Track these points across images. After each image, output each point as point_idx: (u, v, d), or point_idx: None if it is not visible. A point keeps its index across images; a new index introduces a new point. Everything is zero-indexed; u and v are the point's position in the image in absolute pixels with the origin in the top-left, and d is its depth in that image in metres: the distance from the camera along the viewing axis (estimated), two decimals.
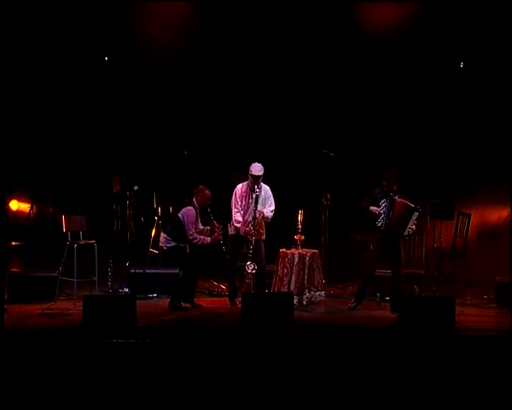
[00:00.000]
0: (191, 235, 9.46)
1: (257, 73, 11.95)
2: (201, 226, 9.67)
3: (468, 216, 11.31)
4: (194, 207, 9.53)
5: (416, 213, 9.25)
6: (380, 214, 9.35)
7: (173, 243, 9.54)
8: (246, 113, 12.07)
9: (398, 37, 11.35)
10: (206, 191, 9.52)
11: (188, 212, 9.48)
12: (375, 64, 11.65)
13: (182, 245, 9.56)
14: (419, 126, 11.79)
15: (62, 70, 11.71)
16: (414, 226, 9.31)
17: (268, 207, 9.69)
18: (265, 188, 9.74)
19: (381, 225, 9.35)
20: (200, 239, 9.49)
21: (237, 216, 9.69)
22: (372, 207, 9.40)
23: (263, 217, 9.61)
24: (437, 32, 11.41)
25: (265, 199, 9.70)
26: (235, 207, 9.74)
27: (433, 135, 11.79)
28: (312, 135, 11.87)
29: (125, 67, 11.73)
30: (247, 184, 9.69)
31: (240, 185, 9.78)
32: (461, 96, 11.65)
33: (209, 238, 9.52)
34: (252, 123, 12.00)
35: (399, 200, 9.32)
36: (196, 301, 9.72)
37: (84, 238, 10.31)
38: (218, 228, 9.50)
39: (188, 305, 9.54)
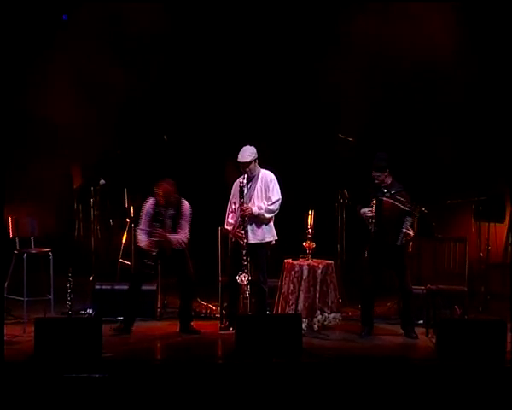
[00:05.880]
0: (138, 227, 9.71)
1: (259, 43, 12.00)
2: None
3: None
4: (154, 199, 9.70)
5: (409, 219, 9.33)
6: (372, 217, 9.50)
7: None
8: (242, 86, 12.10)
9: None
10: (164, 184, 9.59)
11: (145, 202, 9.70)
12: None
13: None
14: (459, 106, 11.79)
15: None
16: (411, 232, 9.38)
17: (264, 201, 9.62)
18: (265, 176, 9.68)
19: (372, 230, 9.49)
20: (137, 237, 9.74)
21: (228, 218, 9.77)
22: (363, 210, 9.51)
23: (250, 214, 9.53)
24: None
25: (264, 190, 9.65)
26: (229, 207, 9.76)
27: (477, 116, 11.79)
28: (326, 116, 11.84)
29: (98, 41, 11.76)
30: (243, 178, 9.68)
31: (237, 180, 9.73)
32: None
33: (143, 242, 9.67)
34: (249, 98, 12.00)
35: (386, 200, 9.35)
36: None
37: (35, 246, 10.30)
38: (156, 233, 9.59)
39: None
